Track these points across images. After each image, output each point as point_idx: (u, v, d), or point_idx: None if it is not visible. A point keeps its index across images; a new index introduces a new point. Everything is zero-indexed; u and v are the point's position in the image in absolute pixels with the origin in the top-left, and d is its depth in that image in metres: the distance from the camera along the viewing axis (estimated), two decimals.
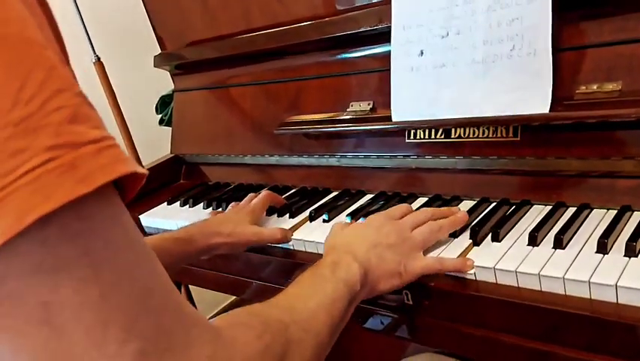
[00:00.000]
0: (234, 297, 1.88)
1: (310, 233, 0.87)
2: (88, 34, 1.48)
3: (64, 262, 0.32)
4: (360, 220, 0.84)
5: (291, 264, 0.87)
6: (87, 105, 0.34)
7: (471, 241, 0.72)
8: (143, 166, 1.38)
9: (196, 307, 1.29)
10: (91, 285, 0.33)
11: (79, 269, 0.33)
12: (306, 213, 0.94)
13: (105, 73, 1.51)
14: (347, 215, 0.88)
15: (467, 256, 0.68)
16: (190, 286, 1.69)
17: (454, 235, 0.74)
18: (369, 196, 0.96)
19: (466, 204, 0.83)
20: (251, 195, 0.97)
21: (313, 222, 0.91)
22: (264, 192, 0.96)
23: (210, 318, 0.48)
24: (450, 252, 0.70)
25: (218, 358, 0.40)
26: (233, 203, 0.99)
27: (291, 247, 0.89)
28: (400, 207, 0.75)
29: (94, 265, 0.33)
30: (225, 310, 1.85)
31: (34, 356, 0.33)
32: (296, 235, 0.88)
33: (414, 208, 0.77)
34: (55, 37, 0.37)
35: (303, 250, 0.87)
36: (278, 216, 0.96)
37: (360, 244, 0.67)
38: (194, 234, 0.85)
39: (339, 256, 0.64)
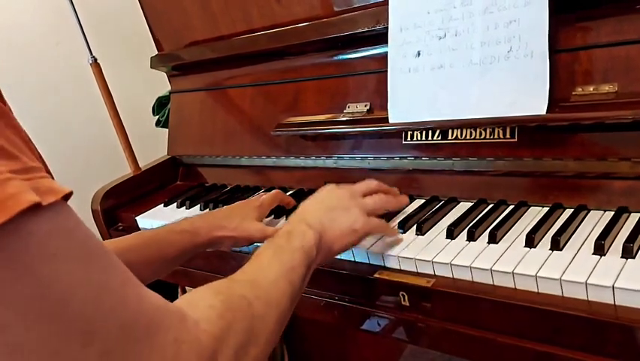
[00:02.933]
0: None
1: None
2: (84, 35, 1.47)
3: (7, 284, 0.33)
4: None
5: None
6: None
7: (468, 242, 0.72)
8: (140, 168, 1.38)
9: None
10: (40, 300, 0.34)
11: (24, 288, 0.33)
12: None
13: (102, 74, 1.50)
14: None
15: (463, 256, 0.69)
16: (187, 287, 1.69)
17: (452, 236, 0.74)
18: None
19: (464, 206, 0.83)
20: (262, 192, 0.96)
21: None
22: (274, 190, 0.94)
23: None
24: (447, 254, 0.70)
25: (184, 340, 0.42)
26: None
27: None
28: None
29: (40, 281, 0.34)
30: None
31: None
32: None
33: (411, 210, 0.77)
34: None
35: None
36: (274, 218, 0.96)
37: (312, 211, 0.69)
38: (199, 226, 0.83)
39: (293, 225, 0.67)
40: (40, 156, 0.49)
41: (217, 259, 1.00)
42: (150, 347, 0.39)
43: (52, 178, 0.48)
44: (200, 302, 0.48)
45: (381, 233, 0.75)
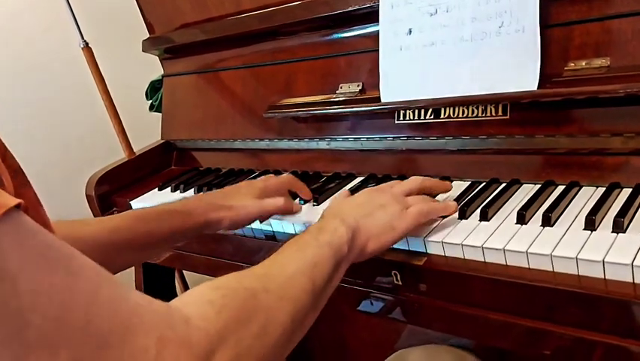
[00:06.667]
0: None
1: (300, 217, 0.87)
2: (76, 20, 1.46)
3: None
4: None
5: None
6: None
7: (459, 220, 0.72)
8: (134, 153, 1.37)
9: None
10: None
11: None
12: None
13: (94, 59, 1.49)
14: None
15: (454, 234, 0.68)
16: (184, 271, 1.69)
17: (444, 215, 0.73)
18: (359, 179, 0.95)
19: (456, 185, 0.83)
20: (271, 176, 0.91)
21: (304, 206, 0.90)
22: (285, 174, 0.89)
23: None
24: (439, 232, 0.70)
25: (169, 339, 0.39)
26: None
27: (283, 231, 0.88)
28: (389, 183, 0.75)
29: None
30: None
31: None
32: (286, 218, 0.87)
33: None
34: None
35: (294, 233, 0.86)
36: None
37: (349, 208, 0.66)
38: (193, 207, 0.79)
39: (326, 221, 0.63)
40: (5, 151, 0.47)
41: (213, 242, 1.00)
42: (128, 351, 0.37)
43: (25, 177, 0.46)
44: (197, 298, 0.45)
45: (427, 219, 0.69)
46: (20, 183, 0.44)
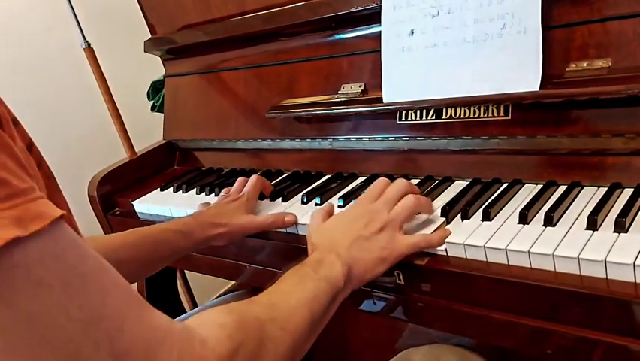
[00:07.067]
0: (232, 282, 1.89)
1: (303, 216, 0.87)
2: (77, 20, 1.45)
3: None
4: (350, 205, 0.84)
5: (284, 247, 0.87)
6: None
7: (462, 220, 0.72)
8: (136, 153, 1.37)
9: (193, 294, 1.31)
10: (24, 331, 0.33)
11: (7, 319, 0.33)
12: (299, 196, 0.94)
13: (96, 59, 1.49)
14: (339, 198, 0.88)
15: (456, 234, 0.69)
16: (186, 271, 1.69)
17: (446, 215, 0.74)
18: (361, 179, 0.96)
19: (458, 185, 0.83)
20: (240, 180, 0.97)
21: (306, 206, 0.91)
22: (253, 178, 0.95)
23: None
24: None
25: (187, 360, 0.41)
26: (225, 189, 0.99)
27: (285, 231, 0.89)
28: (376, 183, 0.75)
29: (24, 311, 0.33)
30: (222, 295, 1.85)
31: None
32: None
33: None
34: None
35: (296, 233, 0.87)
36: (271, 200, 0.96)
37: (342, 241, 0.67)
38: (192, 227, 0.86)
39: (323, 254, 0.65)
40: (41, 159, 0.48)
41: None
42: None
43: (54, 181, 0.47)
44: (210, 321, 0.47)
45: (417, 251, 0.70)
46: (53, 188, 0.45)
